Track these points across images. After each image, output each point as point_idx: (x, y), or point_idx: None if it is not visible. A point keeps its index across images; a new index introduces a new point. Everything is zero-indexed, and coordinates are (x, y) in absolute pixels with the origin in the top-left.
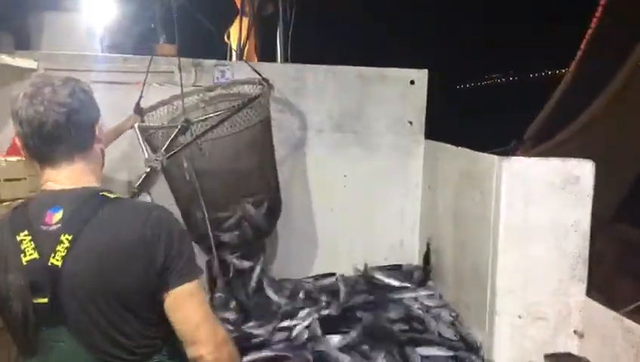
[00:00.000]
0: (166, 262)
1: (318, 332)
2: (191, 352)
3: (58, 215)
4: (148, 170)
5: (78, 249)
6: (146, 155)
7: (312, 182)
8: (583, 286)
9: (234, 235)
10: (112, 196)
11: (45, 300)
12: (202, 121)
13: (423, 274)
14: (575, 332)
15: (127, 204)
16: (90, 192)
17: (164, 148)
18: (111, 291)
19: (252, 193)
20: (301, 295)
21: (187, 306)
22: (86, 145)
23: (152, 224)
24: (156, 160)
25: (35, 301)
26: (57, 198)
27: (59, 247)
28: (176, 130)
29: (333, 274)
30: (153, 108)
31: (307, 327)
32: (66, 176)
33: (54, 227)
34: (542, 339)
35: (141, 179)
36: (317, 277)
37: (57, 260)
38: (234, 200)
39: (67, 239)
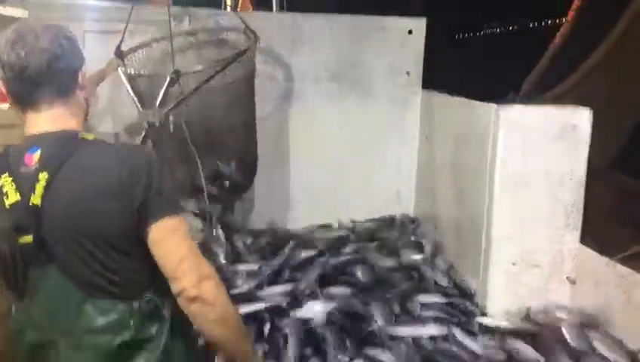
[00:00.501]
0: (146, 201)
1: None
2: (174, 287)
3: (36, 155)
4: (146, 126)
5: (55, 187)
6: (139, 108)
7: (308, 133)
8: (577, 234)
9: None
10: (90, 137)
11: (30, 239)
12: (192, 73)
13: None
14: (568, 278)
15: (106, 144)
16: (69, 134)
17: (158, 103)
18: (92, 230)
19: (231, 148)
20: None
21: (169, 241)
22: (68, 91)
23: (131, 164)
24: (154, 114)
25: (21, 241)
26: (36, 140)
27: (37, 186)
28: (167, 82)
29: (329, 226)
30: (133, 50)
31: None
32: (46, 120)
33: (33, 167)
34: (535, 286)
35: (141, 137)
36: (313, 229)
37: (37, 199)
38: (211, 154)
39: (44, 178)
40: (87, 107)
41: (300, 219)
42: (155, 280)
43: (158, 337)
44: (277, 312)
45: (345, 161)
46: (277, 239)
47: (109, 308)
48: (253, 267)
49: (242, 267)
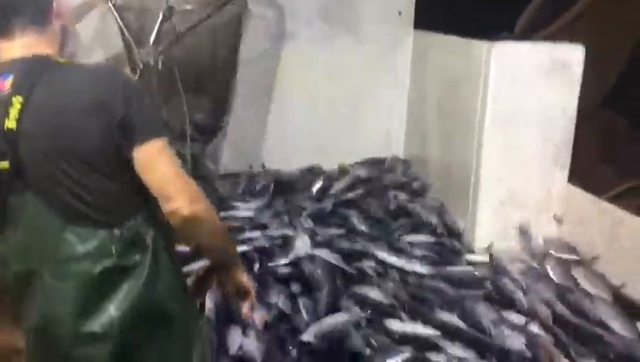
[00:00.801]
0: (126, 118)
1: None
2: (167, 208)
3: (9, 81)
4: (140, 66)
5: (30, 110)
6: (133, 45)
7: (298, 74)
8: (566, 173)
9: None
10: (64, 61)
11: (6, 165)
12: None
13: None
14: (554, 217)
15: (81, 66)
16: (42, 57)
17: (152, 42)
18: (70, 150)
19: (210, 89)
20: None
21: (157, 161)
22: (42, 19)
23: (107, 82)
24: (148, 53)
25: None
26: (9, 67)
27: (11, 110)
28: (160, 19)
29: (319, 167)
30: None
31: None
32: (20, 47)
33: (6, 92)
34: (523, 225)
35: (136, 77)
36: (303, 172)
37: (12, 123)
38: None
39: (18, 101)
40: (66, 37)
41: (289, 160)
42: (138, 207)
43: (142, 264)
44: (267, 253)
45: (335, 102)
46: (267, 181)
47: (89, 235)
48: (245, 211)
49: (232, 211)
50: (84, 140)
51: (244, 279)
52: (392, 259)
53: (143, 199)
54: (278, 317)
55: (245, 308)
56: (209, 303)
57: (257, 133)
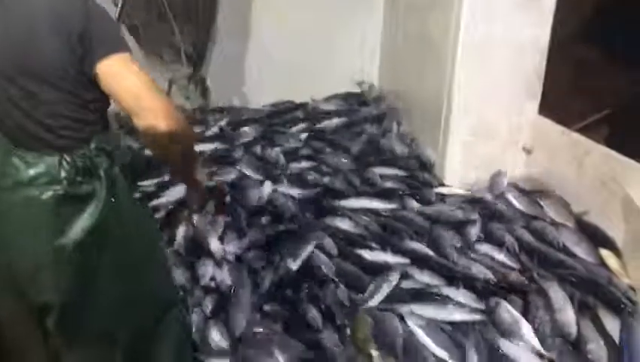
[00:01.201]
0: (87, 32)
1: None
2: (140, 123)
3: None
4: None
5: None
6: None
7: (269, 5)
8: (536, 104)
9: None
10: None
11: None
12: None
13: None
14: (524, 148)
15: None
16: None
17: None
18: (29, 68)
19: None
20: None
21: (123, 75)
22: None
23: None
24: None
25: None
26: None
27: None
28: None
29: (291, 103)
30: None
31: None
32: None
33: None
34: (492, 156)
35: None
36: (277, 108)
37: None
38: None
39: None
40: None
41: (261, 95)
42: (94, 134)
43: (100, 193)
44: (238, 187)
45: (308, 36)
46: (237, 118)
47: (37, 160)
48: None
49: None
50: (43, 55)
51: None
52: (360, 203)
53: (102, 128)
54: (250, 248)
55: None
56: (179, 237)
57: (225, 66)
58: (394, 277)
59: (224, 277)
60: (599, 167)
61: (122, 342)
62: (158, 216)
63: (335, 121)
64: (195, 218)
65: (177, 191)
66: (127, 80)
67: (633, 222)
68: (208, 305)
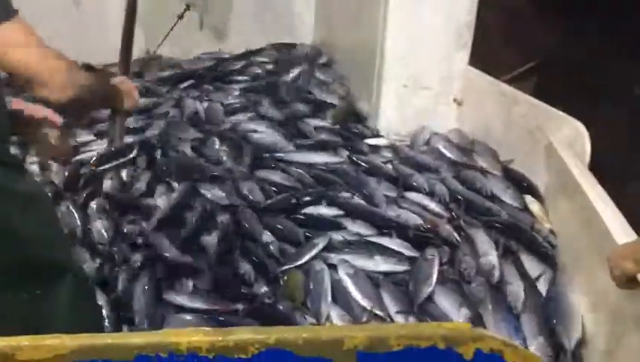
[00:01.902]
0: None
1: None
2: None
3: None
4: None
5: None
6: None
7: None
8: (467, 55)
9: None
10: None
11: None
12: None
13: None
14: (455, 99)
15: None
16: None
17: None
18: None
19: None
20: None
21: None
22: None
23: None
24: None
25: None
26: None
27: None
28: None
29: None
30: None
31: None
32: None
33: None
34: (424, 107)
35: None
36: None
37: None
38: None
39: None
40: None
41: (191, 46)
42: None
43: None
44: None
45: None
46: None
47: None
48: None
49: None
50: None
51: None
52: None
53: None
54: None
55: None
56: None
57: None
58: (321, 241)
59: (151, 232)
60: (526, 116)
61: (11, 307)
62: (84, 170)
63: (271, 73)
64: (124, 172)
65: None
66: (20, 51)
67: (554, 169)
68: (136, 261)
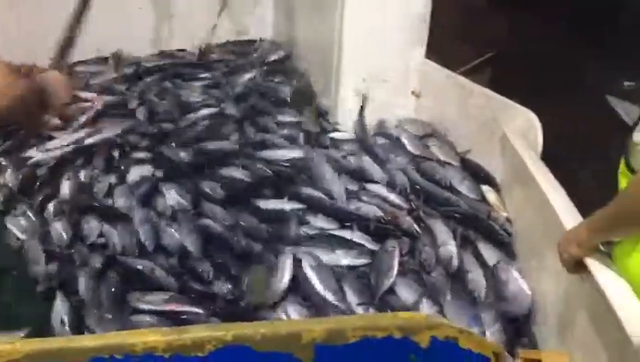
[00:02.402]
0: None
1: None
2: None
3: None
4: None
5: None
6: None
7: None
8: (423, 49)
9: None
10: None
11: None
12: None
13: None
14: (413, 92)
15: None
16: None
17: None
18: None
19: None
20: None
21: None
22: None
23: None
24: None
25: None
26: None
27: None
28: None
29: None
30: None
31: None
32: None
33: None
34: (384, 101)
35: None
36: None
37: None
38: None
39: None
40: None
41: (145, 41)
42: None
43: None
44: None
45: None
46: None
47: None
48: None
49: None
50: None
51: None
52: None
53: None
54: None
55: None
56: (62, 193)
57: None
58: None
59: (112, 234)
60: (481, 108)
61: None
62: (40, 171)
63: (231, 69)
64: (81, 173)
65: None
66: None
67: (509, 159)
68: (96, 263)
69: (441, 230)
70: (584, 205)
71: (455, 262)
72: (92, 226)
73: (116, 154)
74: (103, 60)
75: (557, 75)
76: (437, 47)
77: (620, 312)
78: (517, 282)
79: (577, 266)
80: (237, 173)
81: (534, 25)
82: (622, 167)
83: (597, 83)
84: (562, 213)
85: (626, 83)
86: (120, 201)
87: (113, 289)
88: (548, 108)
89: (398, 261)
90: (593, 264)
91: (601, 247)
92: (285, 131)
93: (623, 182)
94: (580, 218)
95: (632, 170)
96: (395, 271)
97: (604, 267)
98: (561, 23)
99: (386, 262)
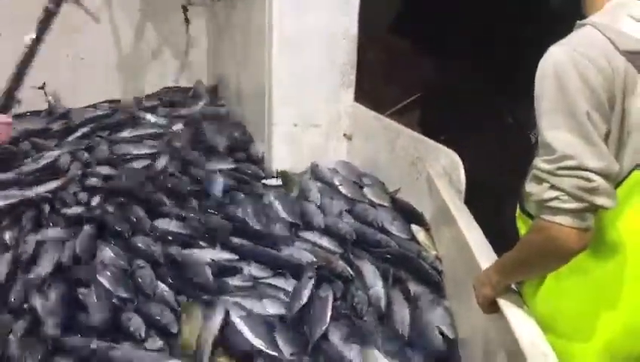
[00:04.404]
0: None
1: None
2: None
3: None
4: None
5: None
6: None
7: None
8: (352, 92)
9: None
10: None
11: None
12: None
13: None
14: (344, 135)
15: None
16: None
17: None
18: None
19: None
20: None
21: None
22: None
23: None
24: None
25: None
26: None
27: None
28: None
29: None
30: None
31: None
32: None
33: None
34: (316, 145)
35: None
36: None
37: None
38: None
39: None
40: None
41: (80, 95)
42: None
43: None
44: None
45: (131, 31)
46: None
47: None
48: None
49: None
50: None
51: None
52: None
53: None
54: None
55: None
56: None
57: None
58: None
59: (36, 300)
60: (407, 148)
61: None
62: None
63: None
64: (7, 234)
65: None
66: None
67: (435, 198)
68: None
69: (369, 271)
70: (509, 238)
71: (382, 304)
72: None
73: (47, 209)
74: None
75: (480, 114)
76: (365, 89)
77: (527, 352)
78: (443, 320)
79: (491, 306)
80: (171, 225)
81: (454, 68)
82: (518, 211)
83: (519, 121)
84: (478, 254)
85: None
86: (47, 263)
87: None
88: (474, 144)
89: (332, 305)
90: (505, 304)
91: (513, 286)
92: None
93: (521, 225)
94: (495, 257)
95: (528, 214)
96: (327, 319)
97: (515, 307)
98: (478, 67)
99: (318, 309)
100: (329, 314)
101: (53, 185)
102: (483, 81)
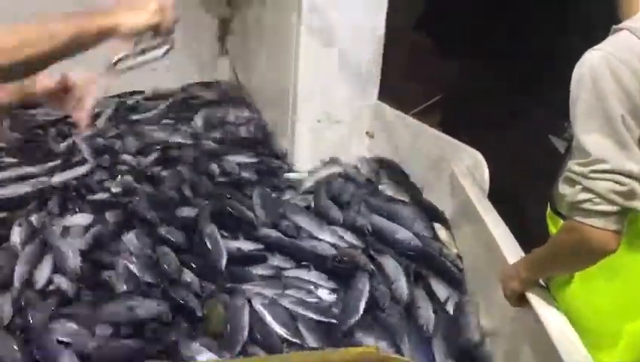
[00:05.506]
0: None
1: None
2: None
3: None
4: None
5: None
6: None
7: None
8: (376, 91)
9: None
10: None
11: None
12: None
13: None
14: (367, 132)
15: None
16: None
17: None
18: None
19: None
20: None
21: None
22: None
23: None
24: None
25: None
26: None
27: None
28: None
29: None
30: None
31: None
32: None
33: None
34: (338, 141)
35: None
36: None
37: None
38: None
39: None
40: None
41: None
42: None
43: None
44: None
45: None
46: None
47: None
48: None
49: None
50: None
51: None
52: None
53: None
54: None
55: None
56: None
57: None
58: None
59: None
60: (430, 147)
61: None
62: None
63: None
64: (33, 217)
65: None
66: None
67: (458, 197)
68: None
69: (391, 266)
70: (534, 240)
71: (405, 297)
72: (43, 270)
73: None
74: None
75: (501, 115)
76: (389, 88)
77: (558, 346)
78: (466, 316)
79: (520, 300)
80: (193, 213)
81: (480, 66)
82: (548, 211)
83: (540, 123)
84: (505, 250)
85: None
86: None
87: None
88: (494, 146)
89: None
90: (534, 298)
91: (541, 281)
92: (245, 174)
93: (550, 225)
94: (521, 253)
95: (559, 213)
96: (361, 310)
97: (544, 300)
98: (500, 68)
99: (353, 300)
100: (363, 306)
101: (79, 170)
102: (506, 81)
